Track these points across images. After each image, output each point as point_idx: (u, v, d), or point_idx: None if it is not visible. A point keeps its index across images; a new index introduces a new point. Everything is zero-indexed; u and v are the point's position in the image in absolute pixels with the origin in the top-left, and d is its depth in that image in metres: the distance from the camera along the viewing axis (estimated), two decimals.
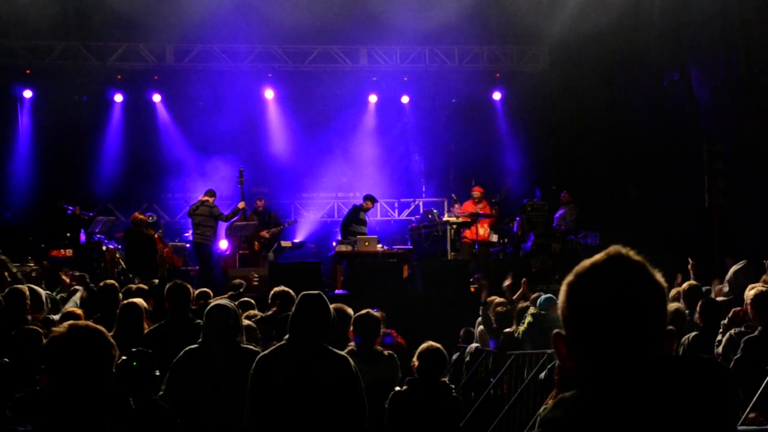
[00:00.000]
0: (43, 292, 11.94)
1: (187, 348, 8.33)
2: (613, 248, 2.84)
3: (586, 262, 2.84)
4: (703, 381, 2.78)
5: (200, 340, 8.34)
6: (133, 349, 7.09)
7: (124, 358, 6.71)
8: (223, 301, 8.90)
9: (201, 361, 8.17)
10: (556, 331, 2.88)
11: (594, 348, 2.76)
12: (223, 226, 23.77)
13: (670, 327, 2.83)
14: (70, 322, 4.32)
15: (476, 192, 24.56)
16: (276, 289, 12.97)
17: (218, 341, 8.22)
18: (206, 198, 23.09)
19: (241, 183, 24.12)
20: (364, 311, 9.76)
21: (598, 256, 2.83)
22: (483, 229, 24.09)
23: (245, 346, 8.47)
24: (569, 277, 2.86)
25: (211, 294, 12.65)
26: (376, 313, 9.92)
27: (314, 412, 7.12)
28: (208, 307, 8.48)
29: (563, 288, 2.86)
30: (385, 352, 9.68)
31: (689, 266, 15.60)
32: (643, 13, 23.26)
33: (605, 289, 2.75)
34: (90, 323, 4.35)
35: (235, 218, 23.76)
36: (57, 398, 4.12)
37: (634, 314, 2.73)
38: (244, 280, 17.47)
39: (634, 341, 2.73)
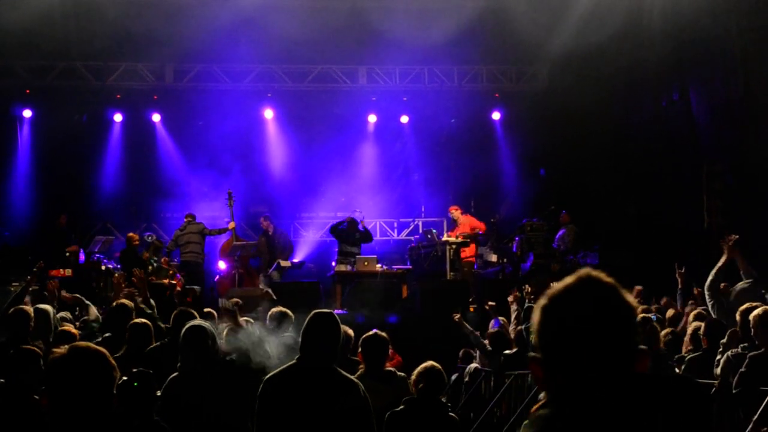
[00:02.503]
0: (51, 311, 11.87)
1: (171, 376, 8.27)
2: (584, 271, 2.90)
3: (559, 286, 2.90)
4: (677, 400, 2.83)
5: (179, 364, 8.28)
6: (134, 370, 7.08)
7: (125, 378, 6.70)
8: (198, 321, 8.84)
9: (184, 386, 8.12)
10: (531, 354, 2.92)
11: (569, 369, 2.80)
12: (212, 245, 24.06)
13: (643, 346, 2.86)
14: (72, 344, 4.32)
15: (451, 212, 24.69)
16: (273, 309, 12.53)
17: (196, 362, 8.16)
18: (190, 218, 23.43)
19: (230, 204, 24.23)
20: (371, 332, 9.68)
21: (569, 279, 2.88)
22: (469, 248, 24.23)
23: (226, 359, 8.43)
24: (542, 301, 2.90)
25: (215, 314, 12.47)
26: (383, 334, 9.85)
27: None
28: (185, 328, 8.40)
29: (537, 311, 2.90)
30: (399, 374, 9.61)
31: (677, 274, 15.52)
32: (642, 33, 23.26)
33: (579, 312, 2.81)
34: (91, 345, 4.35)
35: (226, 237, 24.08)
36: (59, 420, 4.12)
37: (607, 335, 2.79)
38: (245, 299, 17.45)
39: (608, 361, 2.78)
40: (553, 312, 2.85)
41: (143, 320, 10.81)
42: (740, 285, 13.29)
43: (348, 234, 23.72)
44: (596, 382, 2.77)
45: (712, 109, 22.56)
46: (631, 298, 2.86)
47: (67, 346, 4.28)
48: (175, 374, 8.28)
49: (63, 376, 4.16)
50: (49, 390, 4.16)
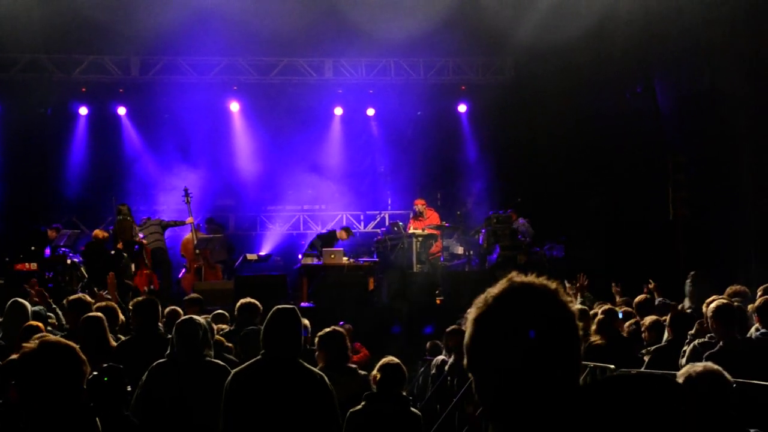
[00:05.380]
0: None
1: (155, 362, 8.32)
2: (514, 275, 2.80)
3: (490, 294, 2.77)
4: (641, 397, 2.70)
5: (168, 352, 8.34)
6: (104, 365, 7.08)
7: (95, 373, 6.70)
8: (193, 315, 8.91)
9: (168, 375, 8.17)
10: (467, 365, 2.80)
11: (506, 380, 2.70)
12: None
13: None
14: (42, 338, 4.32)
15: (418, 205, 24.81)
16: (242, 300, 12.53)
17: (186, 354, 8.22)
18: (146, 219, 23.78)
19: (188, 202, 24.36)
20: (329, 328, 9.73)
21: (500, 286, 2.77)
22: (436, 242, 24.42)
23: (211, 360, 8.46)
24: (473, 312, 2.78)
25: (181, 311, 12.36)
26: (342, 329, 9.88)
27: (288, 430, 7.10)
28: (179, 320, 8.48)
29: (470, 322, 2.78)
30: (360, 372, 9.66)
31: (651, 286, 15.70)
32: (608, 26, 23.34)
33: (512, 321, 2.70)
34: (61, 339, 4.35)
35: (187, 232, 24.31)
36: (27, 413, 4.12)
37: (545, 343, 2.68)
38: (210, 294, 17.51)
39: (551, 369, 2.69)
40: (485, 323, 2.74)
41: (97, 314, 10.73)
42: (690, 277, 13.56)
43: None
44: (548, 397, 2.66)
45: (677, 101, 22.71)
46: (566, 299, 2.75)
47: (36, 341, 4.28)
48: (162, 360, 8.33)
49: (32, 369, 4.16)
50: (18, 384, 4.16)
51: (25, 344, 4.28)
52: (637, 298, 13.97)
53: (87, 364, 4.27)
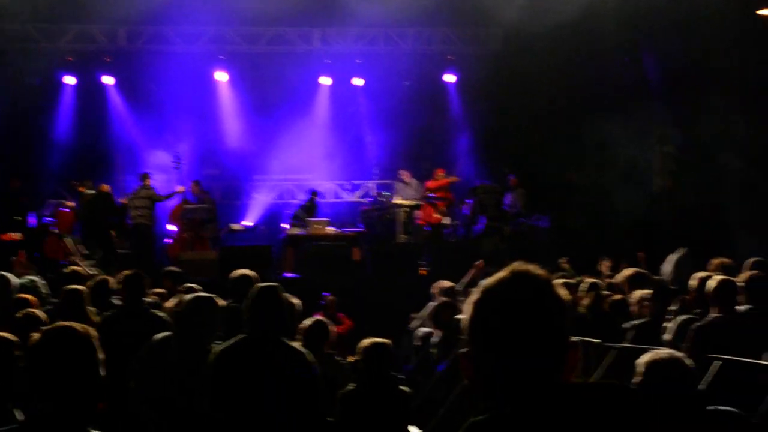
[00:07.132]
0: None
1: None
2: (517, 264, 2.91)
3: (492, 280, 2.90)
4: (611, 408, 2.82)
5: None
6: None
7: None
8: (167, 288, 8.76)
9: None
10: (462, 350, 2.94)
11: (500, 367, 2.81)
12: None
13: (573, 338, 2.92)
14: (54, 324, 4.26)
15: (441, 173, 24.88)
16: (236, 272, 11.02)
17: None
18: (145, 182, 23.47)
19: (178, 168, 24.41)
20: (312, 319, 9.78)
21: (502, 273, 2.89)
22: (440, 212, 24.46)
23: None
24: (475, 295, 2.90)
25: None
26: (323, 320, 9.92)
27: (274, 407, 7.14)
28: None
29: (469, 306, 2.90)
30: (336, 358, 9.75)
31: (639, 259, 15.84)
32: None
33: (512, 306, 2.82)
34: (73, 324, 4.21)
35: (177, 201, 24.24)
36: (41, 403, 4.05)
37: (539, 329, 2.81)
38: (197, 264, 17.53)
39: (542, 358, 2.80)
40: (485, 306, 2.86)
41: (78, 286, 10.54)
42: (675, 254, 13.57)
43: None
44: (533, 387, 2.78)
45: (665, 72, 22.75)
46: (563, 291, 2.89)
47: (46, 328, 4.22)
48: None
49: (45, 360, 4.10)
50: (30, 372, 4.11)
51: (33, 333, 4.23)
52: (628, 272, 13.92)
53: (102, 351, 4.16)
